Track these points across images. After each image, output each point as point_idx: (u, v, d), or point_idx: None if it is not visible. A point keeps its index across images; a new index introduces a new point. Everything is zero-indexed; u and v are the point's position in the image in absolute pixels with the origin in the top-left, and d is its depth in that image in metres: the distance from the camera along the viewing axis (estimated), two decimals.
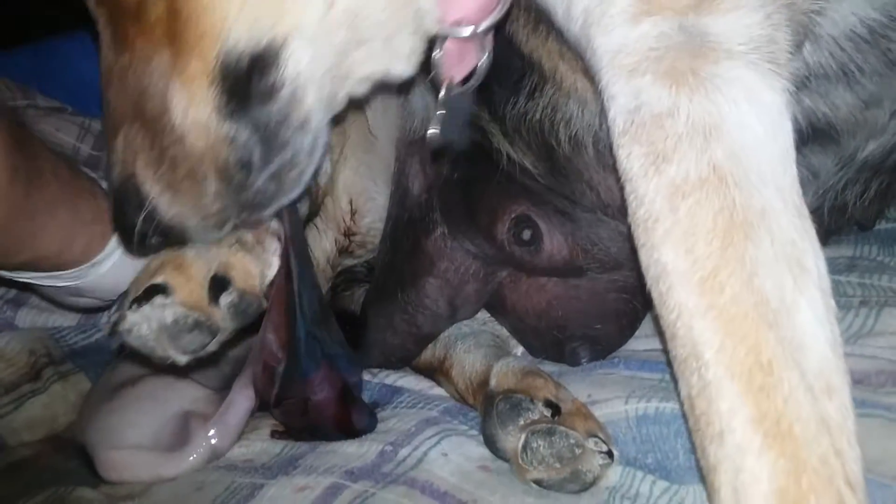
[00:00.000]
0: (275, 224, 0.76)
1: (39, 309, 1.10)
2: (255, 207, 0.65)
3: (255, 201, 0.64)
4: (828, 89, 0.69)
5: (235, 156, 0.61)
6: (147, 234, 0.65)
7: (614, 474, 0.73)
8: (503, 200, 0.89)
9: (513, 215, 0.88)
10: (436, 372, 0.94)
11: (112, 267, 0.82)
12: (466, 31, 0.65)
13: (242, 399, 0.86)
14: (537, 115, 0.80)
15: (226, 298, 0.71)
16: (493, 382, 0.83)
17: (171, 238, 0.66)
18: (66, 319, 1.11)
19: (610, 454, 0.73)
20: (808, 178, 0.77)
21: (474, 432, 0.83)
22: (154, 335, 0.67)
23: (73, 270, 0.81)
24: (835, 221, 0.86)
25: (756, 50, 0.55)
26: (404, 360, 0.98)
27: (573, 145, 0.80)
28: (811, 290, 0.52)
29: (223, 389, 0.90)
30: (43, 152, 0.77)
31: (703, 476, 0.52)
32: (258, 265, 0.74)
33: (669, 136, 0.54)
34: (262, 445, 0.88)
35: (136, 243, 0.66)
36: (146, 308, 0.67)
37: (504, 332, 0.98)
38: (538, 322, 0.93)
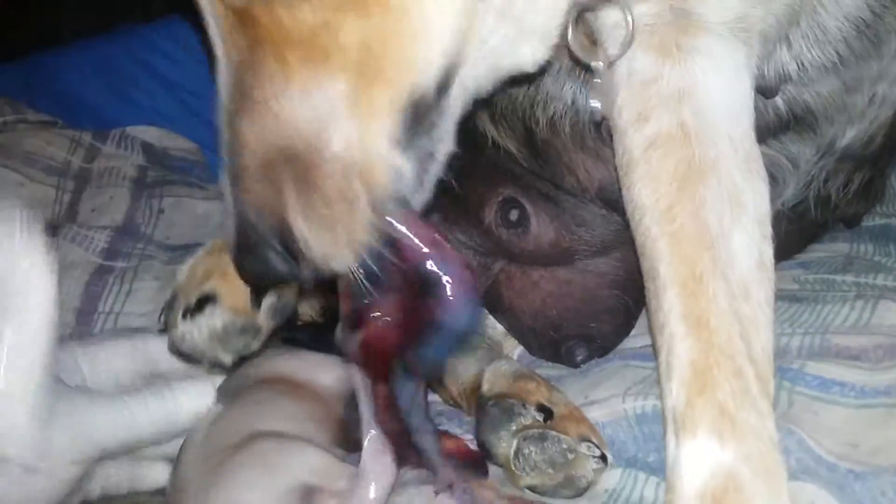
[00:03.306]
0: None
1: None
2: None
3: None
4: (818, 78, 0.74)
5: (397, 190, 0.56)
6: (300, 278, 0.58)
7: (613, 477, 0.72)
8: (490, 184, 0.90)
9: (500, 198, 0.90)
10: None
11: None
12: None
13: (380, 469, 0.63)
14: (520, 98, 0.83)
15: (267, 301, 0.76)
16: (485, 387, 0.82)
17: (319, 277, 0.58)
18: None
19: (604, 458, 0.72)
20: (789, 167, 0.83)
21: (469, 436, 0.81)
22: (205, 341, 0.72)
23: None
24: (821, 214, 0.90)
25: (727, 23, 0.65)
26: None
27: (550, 127, 0.84)
28: (745, 221, 0.63)
29: (340, 447, 0.73)
30: None
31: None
32: None
33: (652, 99, 0.64)
34: None
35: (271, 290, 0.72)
36: (198, 318, 0.72)
37: (496, 335, 0.97)
38: (534, 322, 0.93)
